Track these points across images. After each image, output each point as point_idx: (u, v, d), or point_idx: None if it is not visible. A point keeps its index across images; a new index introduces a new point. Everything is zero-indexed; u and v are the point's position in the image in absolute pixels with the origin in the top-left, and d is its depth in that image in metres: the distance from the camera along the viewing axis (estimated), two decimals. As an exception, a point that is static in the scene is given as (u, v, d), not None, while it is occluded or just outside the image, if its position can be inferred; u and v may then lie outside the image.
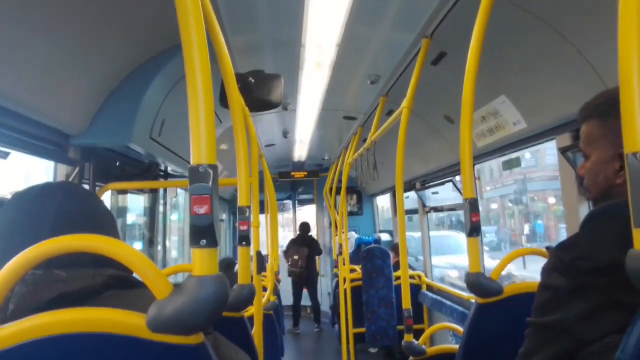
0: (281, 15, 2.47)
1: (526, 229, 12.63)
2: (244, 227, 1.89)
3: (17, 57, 1.59)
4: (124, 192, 3.24)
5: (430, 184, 4.78)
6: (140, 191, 3.54)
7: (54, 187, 1.00)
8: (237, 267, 1.95)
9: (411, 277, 4.92)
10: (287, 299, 7.75)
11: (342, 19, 2.40)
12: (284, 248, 7.97)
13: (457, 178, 4.22)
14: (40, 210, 0.90)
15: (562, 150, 2.30)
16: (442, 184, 4.45)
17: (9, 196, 0.96)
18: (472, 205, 1.63)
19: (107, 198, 2.98)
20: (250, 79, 2.47)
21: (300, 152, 6.80)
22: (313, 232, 8.52)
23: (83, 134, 2.23)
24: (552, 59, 2.11)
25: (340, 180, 5.10)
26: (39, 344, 0.72)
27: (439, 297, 4.59)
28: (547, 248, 1.39)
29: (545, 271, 1.03)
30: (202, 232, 0.78)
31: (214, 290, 0.75)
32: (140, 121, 2.33)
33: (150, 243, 3.73)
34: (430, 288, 5.01)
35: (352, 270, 5.23)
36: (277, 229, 5.44)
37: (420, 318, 5.00)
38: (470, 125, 1.65)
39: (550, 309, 0.97)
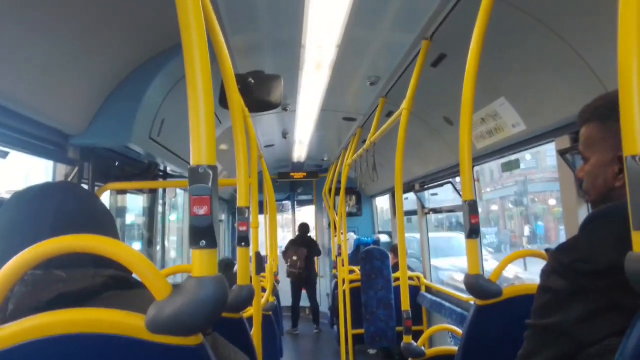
0: (281, 16, 2.47)
1: (526, 230, 12.63)
2: (243, 228, 1.89)
3: (17, 57, 1.59)
4: (123, 192, 3.24)
5: (429, 185, 4.78)
6: (139, 191, 3.54)
7: (54, 187, 0.99)
8: (236, 267, 1.95)
9: (410, 278, 4.92)
10: (286, 299, 7.74)
11: (342, 20, 2.40)
12: (283, 249, 7.97)
13: (456, 179, 4.22)
14: (39, 210, 0.90)
15: (561, 153, 2.30)
16: (441, 185, 4.45)
17: (7, 196, 0.96)
18: (471, 207, 1.63)
19: (106, 198, 2.98)
20: (250, 79, 2.48)
21: (300, 152, 6.80)
22: (312, 233, 8.51)
23: (82, 133, 2.23)
24: (551, 61, 2.11)
25: (339, 181, 5.10)
26: (38, 345, 0.72)
27: (437, 299, 4.59)
28: (546, 250, 1.39)
29: (544, 273, 1.03)
30: (201, 233, 0.77)
31: (213, 291, 0.75)
32: (139, 121, 2.33)
33: (149, 243, 3.73)
34: (429, 289, 5.01)
35: (351, 271, 5.23)
36: (276, 229, 5.43)
37: (419, 319, 5.00)
38: (469, 127, 1.66)
39: (549, 311, 0.97)
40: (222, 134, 4.12)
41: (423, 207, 5.17)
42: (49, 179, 2.36)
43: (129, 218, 3.69)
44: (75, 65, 1.92)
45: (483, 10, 1.55)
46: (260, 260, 2.45)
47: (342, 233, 5.05)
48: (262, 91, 2.52)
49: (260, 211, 5.57)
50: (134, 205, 3.76)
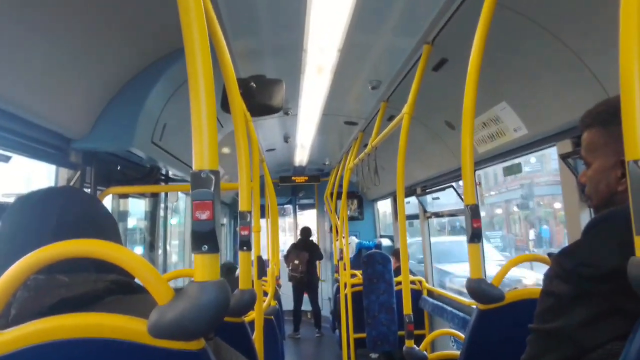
0: (283, 20, 2.47)
1: (532, 234, 12.57)
2: (245, 233, 1.89)
3: (19, 61, 1.59)
4: (125, 196, 3.25)
5: (431, 189, 4.77)
6: (141, 195, 3.54)
7: (57, 191, 1.00)
8: (238, 272, 1.95)
9: (412, 282, 4.91)
10: (288, 303, 7.73)
11: (343, 24, 2.41)
12: (285, 253, 7.96)
13: (458, 183, 4.22)
14: (43, 215, 0.91)
15: (563, 157, 2.30)
16: (443, 189, 4.44)
17: (9, 200, 0.97)
18: (473, 212, 1.63)
19: (108, 202, 2.99)
20: (252, 83, 2.48)
21: (301, 157, 6.80)
22: (314, 237, 8.50)
23: (85, 138, 2.23)
24: (553, 66, 2.11)
25: (341, 185, 5.10)
26: (40, 350, 0.72)
27: (440, 303, 4.58)
28: (549, 255, 1.39)
29: (548, 278, 1.03)
30: (203, 238, 0.78)
31: (215, 296, 0.75)
32: (141, 125, 2.34)
33: (151, 247, 3.73)
34: (431, 294, 4.99)
35: (353, 276, 5.22)
36: (278, 233, 5.43)
37: (421, 324, 4.99)
38: (471, 131, 1.66)
39: (552, 316, 0.97)
40: (224, 138, 4.13)
41: (425, 211, 5.17)
42: (51, 183, 2.37)
43: (131, 222, 3.69)
44: (78, 70, 1.93)
45: (484, 15, 1.55)
46: (262, 265, 2.45)
47: (343, 237, 5.04)
48: (264, 95, 2.53)
49: (262, 215, 5.57)
50: (136, 209, 3.77)
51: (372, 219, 8.58)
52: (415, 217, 5.35)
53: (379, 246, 6.83)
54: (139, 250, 3.78)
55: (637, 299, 0.71)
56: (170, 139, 2.75)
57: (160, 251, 3.95)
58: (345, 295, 4.97)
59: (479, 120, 2.85)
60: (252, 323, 2.47)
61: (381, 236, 8.17)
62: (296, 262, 7.57)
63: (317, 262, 8.00)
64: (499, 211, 14.46)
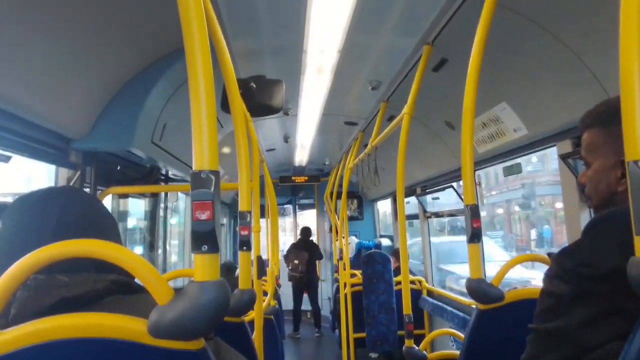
0: (283, 21, 2.47)
1: (533, 234, 12.54)
2: (245, 233, 1.89)
3: (19, 61, 1.59)
4: (125, 196, 3.25)
5: (431, 189, 4.77)
6: (141, 195, 3.54)
7: (57, 191, 1.00)
8: (238, 271, 1.95)
9: (412, 282, 4.91)
10: (288, 303, 7.73)
11: (343, 25, 2.41)
12: (285, 252, 7.96)
13: (459, 183, 4.22)
14: (43, 214, 0.91)
15: (563, 157, 2.30)
16: (443, 189, 4.45)
17: (9, 199, 0.97)
18: (473, 212, 1.63)
19: (108, 202, 2.99)
20: (252, 84, 2.48)
21: (301, 157, 6.81)
22: (314, 237, 8.50)
23: (85, 138, 2.23)
24: (553, 66, 2.11)
25: (341, 185, 5.10)
26: (40, 349, 0.72)
27: (439, 303, 4.58)
28: (549, 255, 1.39)
29: (548, 278, 1.03)
30: (203, 238, 0.78)
31: (215, 296, 0.75)
32: (141, 125, 2.34)
33: (150, 247, 3.73)
34: (430, 293, 4.99)
35: (353, 275, 5.22)
36: (278, 233, 5.43)
37: (421, 323, 4.99)
38: (471, 132, 1.66)
39: (552, 316, 0.97)
40: (224, 138, 4.13)
41: (425, 211, 5.17)
42: (52, 182, 2.37)
43: (131, 222, 3.69)
44: (78, 70, 1.93)
45: (484, 16, 1.55)
46: (262, 265, 2.45)
47: (343, 237, 5.04)
48: (264, 96, 2.53)
49: (262, 215, 5.57)
50: (136, 209, 3.77)
51: (371, 219, 8.59)
52: (415, 217, 5.35)
53: (378, 246, 6.83)
54: (138, 250, 3.78)
55: (637, 299, 0.72)
56: (170, 139, 2.75)
57: (160, 251, 3.95)
58: (345, 295, 4.97)
59: (479, 121, 2.85)
60: (251, 323, 2.47)
61: (381, 236, 8.17)
62: (296, 261, 7.57)
63: (317, 262, 8.00)
64: (500, 211, 14.45)
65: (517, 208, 13.57)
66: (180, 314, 0.72)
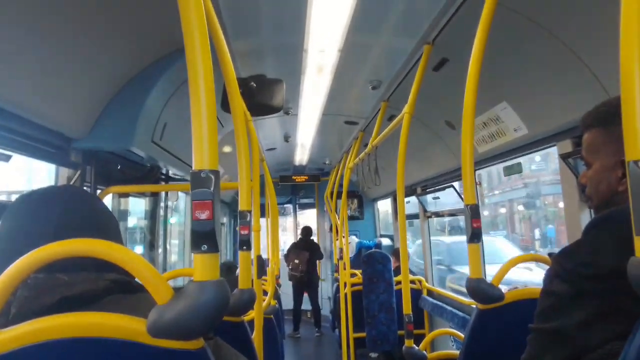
0: (284, 21, 2.47)
1: (537, 234, 12.50)
2: (245, 232, 1.89)
3: (20, 61, 1.59)
4: (125, 195, 3.25)
5: (432, 189, 4.77)
6: (141, 194, 3.54)
7: (58, 190, 1.00)
8: (238, 271, 1.95)
9: (412, 282, 4.90)
10: (288, 303, 7.73)
11: (344, 25, 2.41)
12: (285, 252, 7.97)
13: (459, 183, 4.21)
14: (44, 213, 0.91)
15: (563, 157, 2.30)
16: (443, 189, 4.44)
17: (10, 197, 0.97)
18: (473, 211, 1.63)
19: (108, 201, 2.99)
20: (252, 83, 2.48)
21: (302, 156, 6.80)
22: (314, 237, 8.50)
23: (85, 137, 2.23)
24: (553, 66, 2.11)
25: (341, 185, 5.10)
26: (40, 348, 0.72)
27: (439, 303, 4.58)
28: (550, 255, 1.39)
29: (548, 278, 1.03)
30: (203, 238, 0.78)
31: (214, 296, 0.75)
32: (141, 125, 2.34)
33: (151, 247, 3.73)
34: (430, 293, 4.99)
35: (353, 275, 5.22)
36: (278, 233, 5.43)
37: (421, 323, 4.98)
38: (471, 131, 1.66)
39: (552, 316, 0.97)
40: (224, 137, 4.13)
41: (425, 210, 5.17)
42: (52, 181, 2.37)
43: (131, 221, 3.70)
44: (78, 69, 1.93)
45: (485, 15, 1.55)
46: (262, 264, 2.45)
47: (343, 236, 5.04)
48: (264, 95, 2.53)
49: (262, 214, 5.57)
50: (136, 208, 3.77)
51: (372, 218, 8.58)
52: (416, 216, 5.35)
53: (378, 246, 6.82)
54: (139, 249, 3.78)
55: (636, 299, 0.72)
56: (170, 138, 2.75)
57: (160, 250, 3.95)
58: (345, 295, 4.97)
59: (479, 120, 2.85)
60: (251, 322, 2.46)
61: (381, 236, 8.17)
62: (296, 261, 7.57)
63: (317, 261, 8.00)
64: (503, 210, 14.42)
65: (520, 207, 13.55)
66: (179, 313, 0.72)
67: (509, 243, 10.76)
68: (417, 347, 2.46)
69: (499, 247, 9.29)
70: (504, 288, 1.69)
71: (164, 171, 3.34)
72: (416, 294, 5.00)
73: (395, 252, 5.67)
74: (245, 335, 1.90)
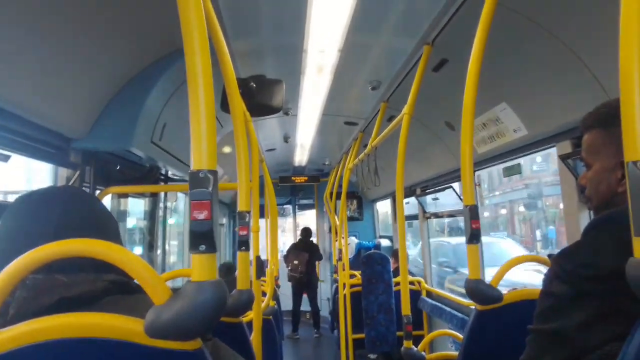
0: (283, 21, 2.47)
1: (537, 234, 12.46)
2: (244, 233, 1.89)
3: (20, 61, 1.59)
4: (124, 195, 3.24)
5: (431, 190, 4.77)
6: (140, 195, 3.54)
7: (58, 191, 1.00)
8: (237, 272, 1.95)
9: (411, 283, 4.90)
10: (287, 304, 7.73)
11: (344, 25, 2.41)
12: (284, 253, 7.96)
13: (459, 184, 4.21)
14: (44, 213, 0.91)
15: (563, 158, 2.30)
16: (443, 190, 4.44)
17: (6, 197, 0.97)
18: (472, 212, 1.63)
19: (107, 202, 2.98)
20: (252, 83, 2.48)
21: (301, 157, 6.80)
22: (313, 238, 8.50)
23: (84, 137, 2.23)
24: (553, 67, 2.11)
25: (340, 186, 5.09)
26: (38, 349, 0.72)
27: (438, 304, 4.58)
28: (549, 256, 1.39)
29: (547, 279, 1.03)
30: (201, 238, 0.77)
31: (212, 296, 0.74)
32: (141, 125, 2.34)
33: (150, 247, 3.73)
34: (429, 294, 4.99)
35: (352, 276, 5.21)
36: (277, 234, 5.42)
37: (420, 324, 4.98)
38: (471, 132, 1.65)
39: (551, 317, 0.97)
40: (224, 138, 4.13)
41: (424, 211, 5.16)
42: (51, 181, 2.37)
43: (131, 222, 3.69)
44: (78, 69, 1.93)
45: (485, 16, 1.55)
46: (260, 265, 2.45)
47: (343, 237, 5.04)
48: (264, 95, 2.53)
49: (262, 215, 5.57)
50: (136, 209, 3.77)
51: (371, 219, 8.58)
52: (415, 217, 5.35)
53: (378, 247, 6.82)
54: (138, 250, 3.77)
55: (635, 299, 0.72)
56: (170, 138, 2.75)
57: (159, 251, 3.94)
58: (344, 296, 4.97)
59: (479, 121, 2.85)
60: (250, 323, 2.46)
61: (380, 237, 8.16)
62: (296, 262, 7.56)
63: (317, 262, 8.00)
64: (503, 211, 14.39)
65: (521, 208, 13.51)
66: (177, 313, 0.72)
67: (516, 244, 10.66)
68: (415, 348, 2.45)
69: (504, 248, 9.24)
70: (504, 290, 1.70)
71: (163, 172, 3.34)
72: (415, 295, 5.00)
73: (395, 253, 5.67)
74: (243, 336, 1.90)
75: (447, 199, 4.45)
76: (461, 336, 2.15)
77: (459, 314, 4.02)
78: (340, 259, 5.06)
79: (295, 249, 7.77)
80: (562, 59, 1.98)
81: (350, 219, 8.24)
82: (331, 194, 5.99)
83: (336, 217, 5.77)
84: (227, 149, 4.65)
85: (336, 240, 5.63)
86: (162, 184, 3.46)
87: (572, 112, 2.13)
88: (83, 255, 0.76)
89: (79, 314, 0.75)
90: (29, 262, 0.73)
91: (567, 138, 2.30)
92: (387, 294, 4.88)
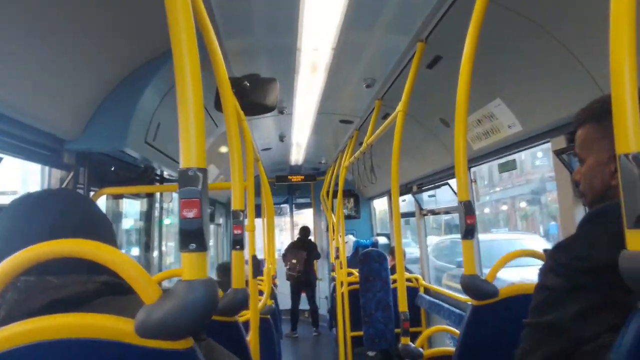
0: (276, 20, 2.47)
1: (540, 230, 12.46)
2: (238, 232, 1.88)
3: (12, 62, 1.58)
4: (119, 196, 3.23)
5: (427, 187, 4.78)
6: (136, 196, 3.52)
7: (53, 194, 1.00)
8: None
9: (408, 280, 4.91)
10: (285, 303, 7.73)
11: (337, 23, 2.40)
12: (283, 252, 7.96)
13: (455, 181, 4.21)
14: (39, 217, 0.90)
15: (557, 153, 2.30)
16: (439, 187, 4.45)
17: (5, 202, 0.96)
18: (467, 208, 1.63)
19: (102, 203, 2.97)
20: (246, 82, 2.47)
21: (297, 155, 6.80)
22: (311, 236, 8.50)
23: (78, 138, 2.22)
24: (546, 63, 2.11)
25: (337, 184, 5.10)
26: (28, 350, 0.72)
27: (436, 300, 4.59)
28: (545, 250, 1.39)
29: (542, 272, 1.04)
30: (191, 236, 0.77)
31: (203, 295, 0.74)
32: (135, 125, 2.33)
33: (146, 248, 3.71)
34: (427, 291, 5.00)
35: (350, 274, 5.22)
36: (274, 233, 5.42)
37: (418, 321, 4.99)
38: (464, 129, 1.66)
39: (546, 309, 0.98)
40: (219, 137, 4.12)
41: (421, 208, 5.17)
42: (44, 183, 2.35)
43: (127, 223, 3.68)
44: (70, 70, 1.92)
45: (477, 12, 1.55)
46: (257, 264, 2.44)
47: (340, 236, 5.05)
48: (258, 94, 2.52)
49: (258, 215, 5.56)
50: (131, 210, 3.75)
51: (368, 217, 8.60)
52: (412, 214, 5.36)
53: (375, 244, 6.83)
54: (135, 251, 3.76)
55: (629, 291, 0.72)
56: (164, 138, 2.74)
57: (156, 252, 3.93)
58: (342, 294, 4.97)
59: (473, 117, 2.85)
60: (247, 323, 2.46)
61: (378, 234, 8.17)
62: (294, 261, 7.57)
63: (315, 261, 8.00)
64: (504, 207, 14.43)
65: (522, 204, 13.54)
66: (168, 312, 0.71)
67: (543, 240, 10.35)
68: (413, 345, 2.46)
69: (531, 246, 9.10)
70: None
71: (158, 172, 3.33)
72: (413, 292, 5.01)
73: (392, 251, 5.67)
74: (239, 335, 1.89)
75: (443, 196, 4.46)
76: (458, 332, 2.15)
77: (457, 310, 4.03)
78: (337, 257, 5.06)
79: (293, 247, 7.77)
80: (556, 55, 1.99)
81: (348, 217, 8.25)
82: (328, 192, 5.99)
83: (333, 216, 5.77)
84: (223, 149, 4.64)
85: (333, 239, 5.63)
86: (158, 184, 3.44)
87: (566, 108, 2.13)
88: (71, 255, 0.75)
89: (69, 314, 0.75)
90: (19, 263, 0.73)
91: (562, 133, 2.30)
92: (385, 292, 4.88)
